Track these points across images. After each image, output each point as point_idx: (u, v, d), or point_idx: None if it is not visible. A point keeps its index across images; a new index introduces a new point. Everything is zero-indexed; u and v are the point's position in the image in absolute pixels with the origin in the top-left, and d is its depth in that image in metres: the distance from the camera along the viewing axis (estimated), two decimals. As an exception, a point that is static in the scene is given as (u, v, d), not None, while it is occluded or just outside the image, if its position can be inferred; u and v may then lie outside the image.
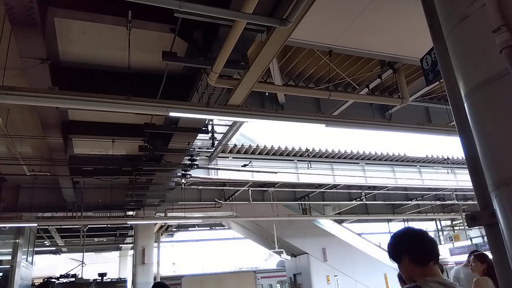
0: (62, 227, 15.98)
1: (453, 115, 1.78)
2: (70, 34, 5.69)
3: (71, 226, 15.50)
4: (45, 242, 19.59)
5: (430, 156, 14.10)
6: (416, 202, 17.15)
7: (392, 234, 2.00)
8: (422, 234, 1.90)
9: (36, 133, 7.70)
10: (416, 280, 1.77)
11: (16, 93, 4.55)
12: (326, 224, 17.57)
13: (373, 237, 21.37)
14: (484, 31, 1.42)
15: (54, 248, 21.97)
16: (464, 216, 17.37)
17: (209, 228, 21.99)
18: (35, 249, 16.67)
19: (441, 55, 1.85)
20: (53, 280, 12.55)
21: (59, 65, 6.26)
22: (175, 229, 20.89)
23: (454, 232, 21.28)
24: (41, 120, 6.90)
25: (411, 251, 1.83)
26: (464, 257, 5.14)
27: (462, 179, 14.22)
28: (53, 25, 5.32)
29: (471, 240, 19.49)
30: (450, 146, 20.52)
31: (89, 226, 15.25)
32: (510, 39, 1.28)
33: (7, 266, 12.57)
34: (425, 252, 1.83)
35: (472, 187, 1.64)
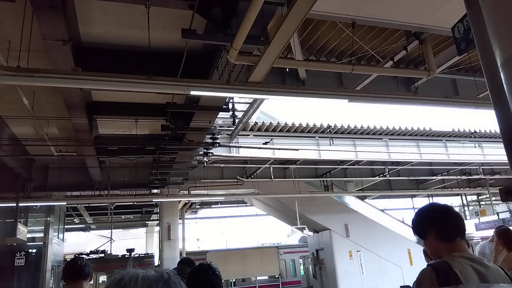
0: (90, 205, 16.53)
1: (487, 86, 1.68)
2: (90, 15, 5.70)
3: (99, 204, 16.01)
4: (75, 220, 20.38)
5: (457, 130, 13.71)
6: (441, 177, 16.83)
7: (417, 210, 1.97)
8: (448, 209, 1.87)
9: (61, 114, 7.88)
10: (442, 255, 1.73)
11: (40, 75, 4.63)
12: (349, 200, 17.52)
13: (397, 213, 21.23)
14: (525, -6, 1.32)
15: (83, 226, 22.83)
16: (490, 191, 17.03)
17: (231, 205, 22.32)
18: (66, 226, 17.38)
19: (475, 22, 1.74)
20: (82, 256, 13.08)
21: (81, 46, 6.31)
22: (199, 206, 21.30)
23: (480, 207, 20.88)
24: (66, 101, 7.03)
25: (437, 226, 1.80)
26: (490, 232, 5.05)
27: (490, 153, 13.80)
28: (74, 6, 5.33)
29: (497, 215, 19.11)
30: (477, 119, 19.93)
31: (116, 204, 15.73)
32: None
33: (40, 243, 13.18)
34: (451, 227, 1.80)
35: (501, 161, 1.57)
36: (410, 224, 2.00)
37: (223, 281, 2.51)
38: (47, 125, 8.52)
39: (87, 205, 16.50)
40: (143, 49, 5.98)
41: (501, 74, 1.47)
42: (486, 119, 14.18)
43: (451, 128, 13.72)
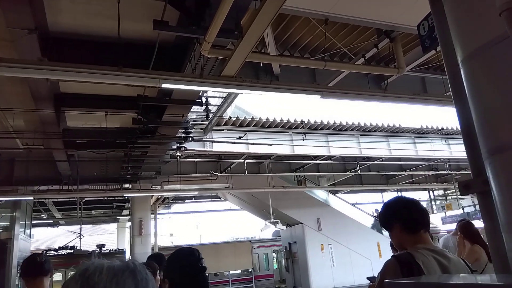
0: (58, 200, 16.06)
1: (449, 83, 1.74)
2: (58, 3, 5.51)
3: (68, 199, 15.58)
4: (42, 215, 19.76)
5: (425, 126, 14.14)
6: (410, 173, 17.34)
7: (384, 203, 2.02)
8: (414, 202, 1.91)
9: (28, 106, 7.59)
10: (406, 247, 1.79)
11: (4, 65, 4.45)
12: (321, 194, 17.79)
13: (367, 207, 21.76)
14: (484, -7, 1.37)
15: (52, 221, 22.18)
16: (456, 186, 17.68)
17: (205, 200, 22.22)
18: (33, 222, 16.82)
19: (438, 19, 1.79)
20: (43, 252, 12.75)
21: (48, 35, 6.10)
22: (172, 201, 21.09)
23: (446, 201, 21.67)
24: (32, 92, 6.79)
25: (403, 219, 1.85)
26: (455, 226, 5.27)
27: (456, 149, 14.33)
28: (40, -7, 5.15)
29: (463, 209, 19.88)
30: (445, 116, 20.62)
31: (85, 198, 15.35)
32: (511, 1, 1.24)
33: (5, 239, 12.71)
34: (416, 220, 1.84)
35: (465, 157, 1.63)
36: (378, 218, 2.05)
37: None
38: (12, 117, 8.20)
39: (56, 200, 16.01)
40: (114, 40, 5.85)
41: (461, 71, 1.52)
42: (453, 117, 14.65)
43: (419, 125, 14.15)
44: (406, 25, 6.30)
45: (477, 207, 20.65)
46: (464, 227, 4.08)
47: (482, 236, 3.90)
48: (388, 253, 5.13)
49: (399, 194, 20.74)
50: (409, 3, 5.63)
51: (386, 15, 6.09)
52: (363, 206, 21.13)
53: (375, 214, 19.17)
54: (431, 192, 22.01)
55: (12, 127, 8.27)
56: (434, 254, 1.72)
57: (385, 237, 16.45)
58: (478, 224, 4.03)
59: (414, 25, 5.71)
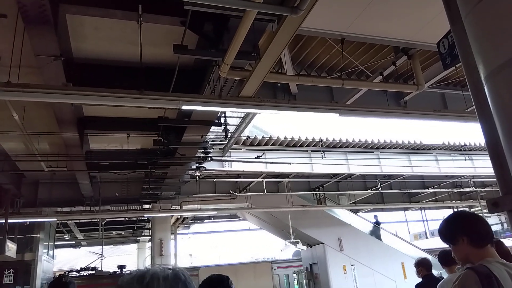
0: (80, 221, 16.29)
1: (472, 100, 1.72)
2: (82, 30, 5.73)
3: (90, 220, 15.79)
4: (65, 236, 20.03)
5: (447, 143, 13.86)
6: (433, 190, 16.93)
7: (445, 218, 2.03)
8: (479, 217, 1.95)
9: (52, 129, 7.83)
10: (473, 261, 1.76)
11: (31, 90, 4.62)
12: (342, 213, 17.49)
13: (390, 226, 21.24)
14: (504, 10, 1.37)
15: (74, 242, 22.45)
16: (481, 203, 17.14)
17: (224, 219, 22.14)
18: (56, 243, 17.07)
19: (459, 37, 1.79)
20: (66, 273, 12.83)
21: (72, 61, 6.32)
22: (191, 221, 21.10)
23: (472, 219, 20.96)
24: (57, 116, 7.00)
25: (470, 233, 1.85)
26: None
27: (480, 166, 13.94)
28: (65, 21, 5.36)
29: (490, 227, 19.18)
30: (467, 132, 20.19)
31: (107, 219, 15.52)
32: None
33: (29, 260, 12.91)
34: (483, 233, 1.85)
35: (491, 174, 1.60)
36: (439, 231, 2.04)
37: None
38: (37, 140, 8.45)
39: (78, 221, 16.25)
40: (135, 64, 6.02)
41: (485, 88, 1.51)
42: (475, 133, 14.31)
43: (441, 141, 13.88)
44: (423, 42, 6.28)
45: (505, 225, 19.93)
46: (496, 245, 3.94)
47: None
48: (413, 274, 4.98)
49: (423, 212, 20.24)
50: (425, 20, 5.62)
51: (403, 33, 6.08)
52: (386, 225, 20.64)
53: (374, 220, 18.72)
54: (455, 210, 21.37)
55: (37, 150, 8.51)
56: (506, 268, 1.72)
57: (409, 257, 15.96)
58: (507, 242, 3.88)
59: (431, 41, 5.68)
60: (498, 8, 1.42)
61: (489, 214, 20.06)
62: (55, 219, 13.88)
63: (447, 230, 1.96)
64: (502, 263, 1.73)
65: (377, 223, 18.18)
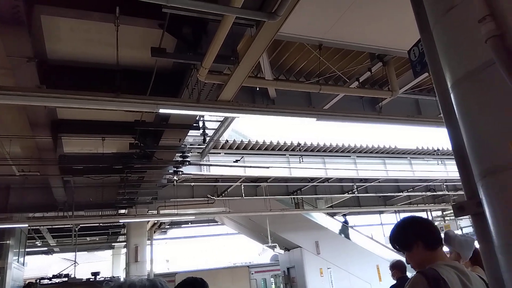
0: (53, 227, 15.84)
1: (440, 107, 1.79)
2: (57, 32, 5.61)
3: (63, 226, 15.38)
4: (37, 243, 19.44)
5: (421, 147, 14.24)
6: (407, 194, 17.31)
7: (397, 224, 2.02)
8: (428, 220, 2.02)
9: (25, 132, 7.61)
10: (426, 265, 1.80)
11: (3, 92, 4.49)
12: (319, 217, 17.66)
13: (365, 229, 21.57)
14: (470, 21, 1.43)
15: (46, 248, 21.80)
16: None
17: (202, 224, 21.98)
18: (27, 249, 16.54)
19: (428, 46, 1.86)
20: (36, 281, 12.50)
21: (46, 63, 6.18)
22: (168, 226, 20.83)
23: (445, 222, 21.56)
24: (30, 119, 6.82)
25: (423, 236, 1.87)
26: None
27: (452, 170, 14.38)
28: (40, 23, 5.24)
29: (461, 230, 19.78)
30: (440, 137, 20.75)
31: (81, 225, 15.16)
32: (495, 29, 1.30)
33: (-1, 268, 12.47)
34: (437, 235, 1.89)
35: (461, 178, 1.65)
36: (390, 237, 2.02)
37: None
38: (9, 143, 8.19)
39: (50, 226, 15.79)
40: (112, 66, 5.93)
41: (451, 96, 1.57)
42: (447, 138, 14.72)
43: (415, 146, 14.24)
44: (398, 49, 6.45)
45: (476, 228, 20.55)
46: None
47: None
48: (388, 276, 5.08)
49: (397, 215, 20.65)
50: (400, 28, 5.78)
51: (379, 40, 6.24)
52: (361, 228, 20.97)
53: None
54: (429, 213, 21.90)
55: (8, 154, 8.25)
56: (455, 271, 1.75)
57: (384, 260, 16.26)
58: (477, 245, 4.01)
59: (406, 49, 5.85)
60: (465, 18, 1.48)
61: (462, 217, 20.66)
62: (27, 225, 13.45)
63: (401, 236, 1.95)
64: (452, 266, 1.77)
65: (346, 223, 18.55)
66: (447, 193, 16.71)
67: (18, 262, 14.10)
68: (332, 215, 18.38)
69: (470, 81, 1.43)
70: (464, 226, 20.77)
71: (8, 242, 12.91)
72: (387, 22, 5.72)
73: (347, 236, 17.99)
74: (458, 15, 1.51)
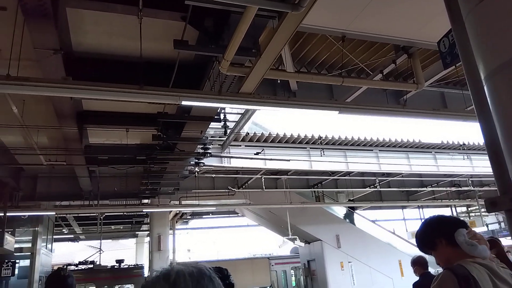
0: (79, 215, 16.31)
1: (472, 99, 1.72)
2: (82, 24, 5.71)
3: (88, 214, 15.81)
4: (64, 230, 20.06)
5: (446, 142, 13.88)
6: (431, 189, 16.97)
7: (422, 223, 2.03)
8: (454, 218, 1.98)
9: (51, 123, 7.81)
10: (453, 263, 1.75)
11: (30, 84, 4.60)
12: (340, 211, 17.53)
13: (388, 224, 21.28)
14: (505, 10, 1.37)
15: (72, 236, 22.47)
16: (479, 202, 17.18)
17: (223, 215, 22.18)
18: (54, 236, 17.10)
19: (460, 37, 1.79)
20: (64, 267, 12.88)
21: (72, 55, 6.30)
22: (190, 217, 21.13)
23: (470, 218, 21.04)
24: (56, 110, 6.99)
25: (446, 233, 1.85)
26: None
27: (478, 165, 13.97)
28: (65, 15, 5.34)
29: (487, 226, 19.27)
30: (466, 131, 20.21)
31: (105, 214, 15.54)
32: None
33: (28, 253, 12.94)
34: None
35: (489, 173, 1.60)
36: (415, 238, 2.04)
37: None
38: (36, 134, 8.44)
39: (76, 215, 16.26)
40: (135, 59, 6.00)
41: (485, 88, 1.50)
42: (474, 132, 14.33)
43: (440, 140, 13.90)
44: (424, 41, 6.27)
45: (502, 225, 19.97)
46: (492, 244, 3.96)
47: (508, 253, 3.77)
48: (410, 272, 4.99)
49: (421, 211, 20.29)
50: (426, 19, 5.61)
51: (404, 31, 6.07)
52: (384, 223, 20.69)
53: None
54: (453, 209, 21.43)
55: (36, 144, 8.50)
56: (485, 269, 1.69)
57: (406, 255, 16.03)
58: (504, 241, 3.89)
59: (432, 40, 5.68)
60: (499, 8, 1.42)
61: (486, 213, 20.12)
62: (54, 213, 13.90)
63: (424, 235, 1.96)
64: (481, 264, 1.70)
65: (352, 208, 18.22)
66: (472, 188, 16.27)
67: (46, 248, 14.61)
68: (353, 209, 18.20)
69: (505, 72, 1.37)
70: (490, 222, 20.23)
71: (37, 229, 13.38)
72: (413, 13, 5.56)
73: (352, 222, 17.74)
74: (492, 4, 1.45)
